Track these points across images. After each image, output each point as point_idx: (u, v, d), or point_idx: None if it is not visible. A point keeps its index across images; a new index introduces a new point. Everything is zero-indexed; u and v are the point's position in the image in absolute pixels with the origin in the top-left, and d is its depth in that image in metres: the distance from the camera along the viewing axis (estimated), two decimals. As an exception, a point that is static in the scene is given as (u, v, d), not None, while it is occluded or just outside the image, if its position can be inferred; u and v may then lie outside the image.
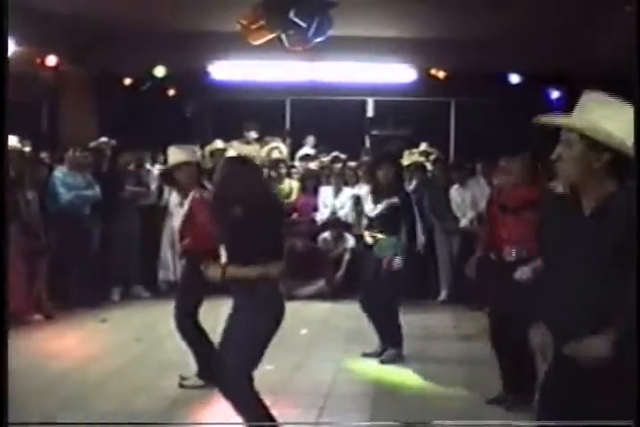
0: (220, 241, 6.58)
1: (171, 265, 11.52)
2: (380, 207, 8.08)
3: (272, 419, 5.12)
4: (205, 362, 6.89)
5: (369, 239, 8.26)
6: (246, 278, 5.10)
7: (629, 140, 3.30)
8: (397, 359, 8.07)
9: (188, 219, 7.06)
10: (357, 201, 8.73)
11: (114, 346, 8.61)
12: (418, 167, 12.13)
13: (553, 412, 3.52)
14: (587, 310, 3.31)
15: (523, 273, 6.10)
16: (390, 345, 8.17)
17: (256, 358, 5.11)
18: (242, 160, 5.81)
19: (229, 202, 5.24)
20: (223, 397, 5.14)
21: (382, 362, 8.04)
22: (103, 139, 12.37)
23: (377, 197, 8.17)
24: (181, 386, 7.03)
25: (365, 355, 8.25)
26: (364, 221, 8.55)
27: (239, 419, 4.98)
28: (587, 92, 3.44)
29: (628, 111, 3.35)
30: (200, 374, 7.05)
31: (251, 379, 5.09)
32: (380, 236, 8.10)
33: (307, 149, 15.02)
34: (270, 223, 5.28)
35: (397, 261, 7.93)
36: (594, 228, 3.35)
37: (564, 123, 3.40)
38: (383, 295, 8.07)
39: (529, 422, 3.39)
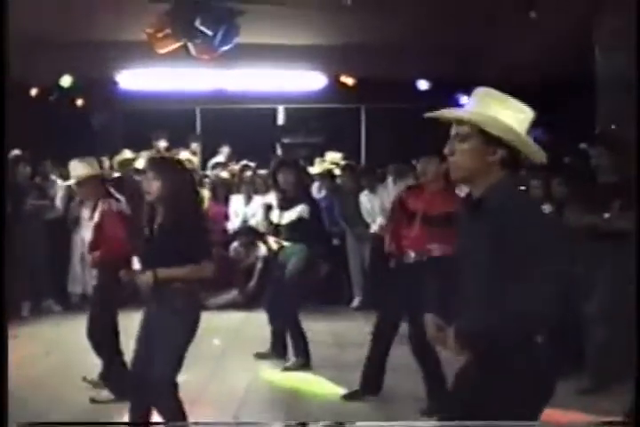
0: (134, 250, 6.57)
1: (79, 278, 11.37)
2: (287, 215, 8.09)
3: None
4: (117, 375, 6.81)
5: (274, 246, 8.29)
6: (179, 279, 5.11)
7: (522, 137, 3.36)
8: (303, 368, 8.05)
9: (99, 230, 6.99)
10: (269, 209, 8.73)
11: (23, 361, 8.44)
12: (327, 175, 12.19)
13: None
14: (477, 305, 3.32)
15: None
16: (296, 354, 8.17)
17: (179, 364, 5.14)
18: (167, 160, 5.78)
19: (158, 202, 5.22)
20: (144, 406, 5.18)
21: (286, 369, 8.05)
22: (16, 151, 12.12)
23: (283, 203, 8.18)
24: (93, 401, 6.92)
25: (259, 355, 8.30)
26: (270, 228, 8.55)
27: None
28: (479, 89, 3.46)
29: (521, 108, 3.40)
30: (110, 388, 6.95)
31: (176, 385, 5.14)
32: (284, 243, 8.11)
33: (219, 158, 14.96)
34: (198, 223, 5.31)
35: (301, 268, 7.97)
36: (477, 219, 3.36)
37: (464, 117, 3.39)
38: (284, 302, 8.08)
39: (524, 422, 3.37)
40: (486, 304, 3.26)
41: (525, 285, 3.14)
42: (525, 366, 3.28)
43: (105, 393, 6.98)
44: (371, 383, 7.01)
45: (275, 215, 8.36)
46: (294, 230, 8.09)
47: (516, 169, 3.45)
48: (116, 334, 7.02)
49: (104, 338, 6.98)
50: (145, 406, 5.25)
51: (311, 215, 8.07)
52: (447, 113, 3.44)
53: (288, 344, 8.33)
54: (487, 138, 3.33)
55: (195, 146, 15.23)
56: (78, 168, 7.15)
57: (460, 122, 3.39)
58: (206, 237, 5.44)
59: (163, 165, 5.42)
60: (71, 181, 7.39)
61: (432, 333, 3.47)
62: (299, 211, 8.05)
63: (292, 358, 8.21)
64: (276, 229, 8.36)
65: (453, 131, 3.43)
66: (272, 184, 9.03)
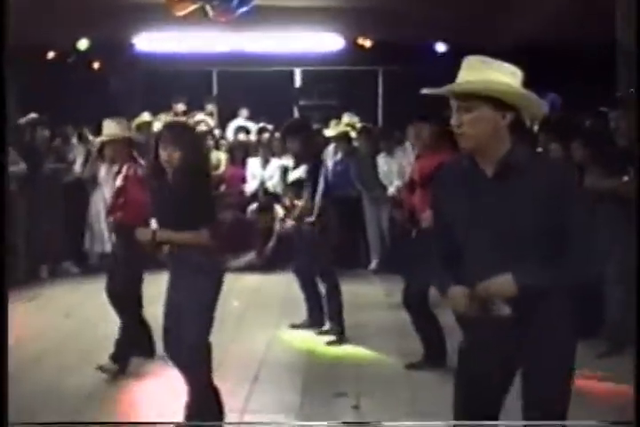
0: (152, 214, 6.58)
1: (99, 237, 11.36)
2: (293, 174, 8.11)
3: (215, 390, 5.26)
4: (135, 340, 6.86)
5: (286, 205, 8.31)
6: (176, 243, 5.17)
7: (529, 96, 3.36)
8: (338, 334, 7.93)
9: (121, 194, 7.01)
10: (285, 171, 8.73)
11: (43, 324, 8.52)
12: (343, 138, 12.15)
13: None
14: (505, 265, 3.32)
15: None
16: (330, 318, 8.09)
17: (209, 324, 5.19)
18: (180, 124, 5.78)
19: (165, 164, 5.25)
20: (180, 370, 5.22)
21: (319, 334, 8.02)
22: (33, 115, 12.13)
23: (294, 163, 8.20)
24: (100, 369, 6.78)
25: (294, 326, 8.29)
26: (283, 188, 8.56)
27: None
28: (469, 57, 3.42)
29: (513, 71, 3.38)
30: (114, 359, 6.90)
31: (209, 346, 5.20)
32: (297, 202, 8.12)
33: (240, 121, 14.92)
34: (205, 191, 5.33)
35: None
36: (500, 188, 3.36)
37: (468, 88, 3.35)
38: (313, 263, 8.08)
39: (528, 422, 3.40)
40: (516, 265, 3.29)
41: (560, 242, 3.24)
42: (554, 322, 3.36)
43: (108, 363, 6.84)
44: (434, 357, 6.88)
45: (288, 175, 8.40)
46: (296, 190, 8.11)
47: (523, 131, 3.45)
48: (138, 297, 7.06)
49: (125, 300, 7.02)
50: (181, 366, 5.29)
51: (308, 175, 8.02)
52: (456, 86, 3.38)
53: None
54: (494, 104, 3.32)
55: (210, 107, 15.21)
56: (112, 127, 7.14)
57: (467, 95, 3.35)
58: (211, 205, 5.45)
59: (175, 131, 5.40)
60: (100, 139, 7.37)
61: (465, 302, 3.44)
62: (300, 171, 8.07)
63: (327, 322, 8.12)
64: (286, 188, 8.38)
65: (455, 103, 3.38)
66: (282, 146, 8.99)
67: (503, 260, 3.32)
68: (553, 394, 3.45)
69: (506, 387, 3.56)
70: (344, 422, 5.19)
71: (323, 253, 8.02)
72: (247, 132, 13.72)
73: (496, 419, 3.57)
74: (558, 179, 3.32)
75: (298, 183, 8.06)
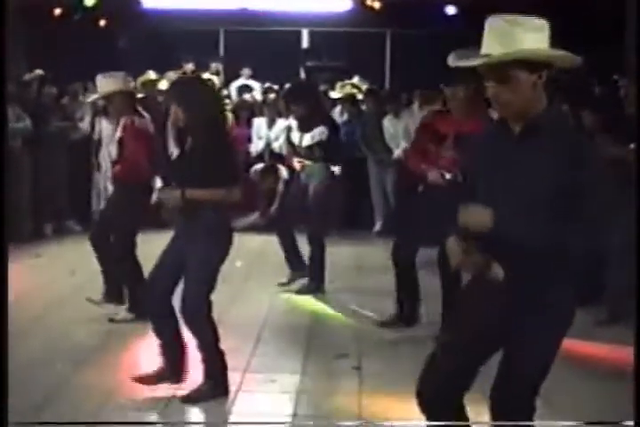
0: (156, 170, 6.57)
1: (104, 195, 11.35)
2: (306, 137, 8.08)
3: (220, 351, 5.32)
4: (138, 296, 6.92)
5: (297, 166, 8.30)
6: (205, 201, 5.11)
7: (560, 53, 3.32)
8: (316, 291, 8.15)
9: (121, 145, 7.02)
10: (289, 130, 8.74)
11: (49, 280, 8.55)
12: (349, 99, 12.11)
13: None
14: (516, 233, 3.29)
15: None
16: (311, 276, 8.25)
17: (213, 283, 5.23)
18: (191, 83, 5.71)
19: (185, 127, 5.21)
20: (168, 328, 5.32)
21: (298, 292, 8.16)
22: (38, 71, 12.07)
23: (302, 124, 8.17)
24: (111, 320, 7.04)
25: (281, 284, 8.34)
26: (291, 149, 8.53)
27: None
28: (491, 18, 3.33)
29: (540, 25, 3.32)
30: (130, 308, 7.07)
31: (210, 304, 5.24)
32: (307, 162, 8.12)
33: (243, 80, 14.86)
34: (226, 148, 5.30)
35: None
36: (523, 147, 3.35)
37: (503, 60, 3.25)
38: (310, 224, 8.13)
39: (528, 422, 3.42)
40: (526, 223, 3.27)
41: (574, 209, 3.21)
42: (552, 287, 3.34)
43: (123, 313, 7.10)
44: (406, 315, 7.04)
45: (295, 137, 8.36)
46: (313, 153, 8.11)
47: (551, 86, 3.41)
48: (132, 254, 7.12)
49: (122, 256, 7.09)
50: (170, 324, 5.34)
51: (329, 137, 8.05)
52: (489, 60, 3.28)
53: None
54: (529, 67, 3.26)
55: (215, 65, 15.12)
56: (105, 83, 7.11)
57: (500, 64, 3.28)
58: (235, 162, 5.43)
59: (186, 89, 5.34)
60: (95, 96, 7.35)
61: (453, 250, 3.44)
62: (317, 133, 8.04)
63: (295, 279, 8.30)
64: (296, 151, 8.35)
65: (488, 73, 3.32)
66: (285, 107, 8.99)
67: (512, 217, 3.28)
68: (528, 381, 3.46)
69: (482, 358, 3.55)
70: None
71: (321, 213, 8.08)
72: (250, 90, 13.66)
73: (463, 389, 3.58)
74: (579, 145, 3.29)
75: (314, 146, 8.04)
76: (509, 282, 3.34)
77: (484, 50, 3.32)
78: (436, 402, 3.54)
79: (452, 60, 3.44)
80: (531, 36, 3.25)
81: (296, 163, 8.39)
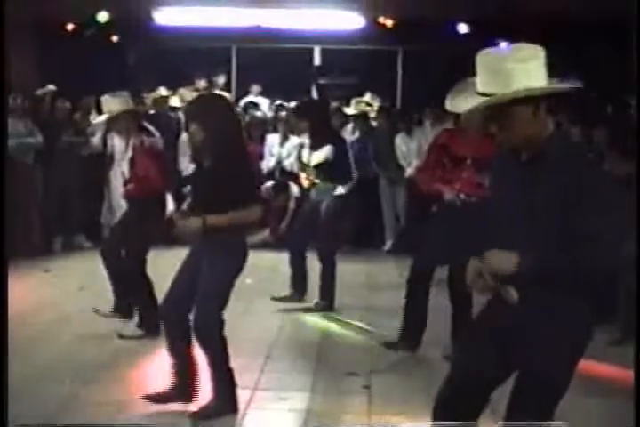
0: (169, 187, 6.57)
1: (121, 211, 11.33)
2: (315, 155, 8.06)
3: (230, 369, 5.31)
4: (148, 312, 6.91)
5: (306, 183, 8.29)
6: (228, 225, 5.07)
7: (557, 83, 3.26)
8: (325, 309, 8.12)
9: (131, 164, 7.07)
10: (301, 148, 8.75)
11: (57, 296, 8.54)
12: (362, 116, 12.12)
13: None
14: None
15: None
16: (322, 295, 8.22)
17: (225, 301, 5.21)
18: (209, 100, 5.66)
19: (203, 146, 5.19)
20: (183, 346, 5.31)
21: (309, 310, 8.15)
22: (50, 86, 12.10)
23: (313, 143, 8.16)
24: (121, 337, 7.02)
25: (273, 298, 8.33)
26: (301, 167, 8.52)
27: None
28: (483, 53, 3.25)
29: (534, 53, 3.24)
30: (140, 324, 7.07)
31: (222, 322, 5.23)
32: (316, 180, 8.11)
33: (251, 97, 14.88)
34: (245, 166, 5.25)
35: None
36: (530, 173, 3.30)
37: (499, 101, 3.21)
38: (320, 242, 8.11)
39: (528, 423, 3.38)
40: (538, 248, 3.23)
41: (583, 231, 3.15)
42: (567, 305, 3.29)
43: (132, 329, 7.09)
44: (410, 338, 6.93)
45: (305, 154, 8.36)
46: (321, 171, 8.09)
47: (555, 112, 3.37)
48: (143, 270, 7.12)
49: (133, 272, 7.11)
50: (185, 343, 5.32)
51: (336, 156, 8.03)
52: (485, 103, 3.23)
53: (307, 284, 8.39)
54: (528, 101, 3.20)
55: (221, 79, 15.12)
56: (110, 103, 7.16)
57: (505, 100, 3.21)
58: (253, 180, 5.39)
59: (206, 106, 5.28)
60: (103, 117, 7.40)
61: (472, 275, 3.39)
62: (324, 153, 8.03)
63: (315, 299, 8.25)
64: (305, 169, 8.34)
65: (485, 112, 3.28)
66: (295, 124, 9.03)
67: (520, 245, 3.24)
68: (539, 408, 3.41)
69: (494, 384, 3.52)
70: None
71: (332, 231, 8.07)
72: (257, 107, 13.66)
73: (476, 415, 3.55)
74: (587, 173, 3.22)
75: (323, 164, 8.02)
76: (524, 304, 3.31)
77: (479, 88, 3.26)
78: (451, 421, 3.51)
79: (448, 103, 3.38)
80: (524, 68, 3.18)
81: (305, 180, 8.39)
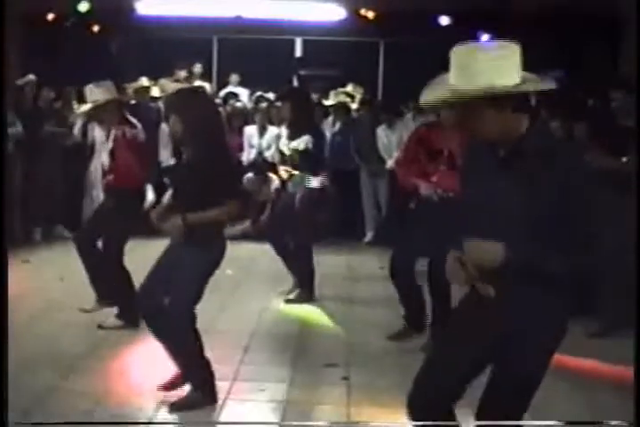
0: (148, 179, 6.56)
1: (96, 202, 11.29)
2: (293, 144, 8.07)
3: (206, 361, 5.31)
4: (127, 303, 6.91)
5: (284, 175, 8.30)
6: (209, 222, 5.07)
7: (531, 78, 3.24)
8: (306, 301, 8.14)
9: (112, 156, 7.04)
10: (278, 139, 8.75)
11: (37, 286, 8.52)
12: (341, 108, 12.10)
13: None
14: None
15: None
16: (300, 285, 8.24)
17: (199, 294, 5.20)
18: (188, 93, 5.64)
19: (183, 140, 5.19)
20: (161, 336, 5.28)
21: (287, 302, 8.14)
22: (30, 76, 12.04)
23: (290, 133, 8.17)
24: (100, 327, 7.02)
25: (281, 294, 8.32)
26: (280, 158, 8.53)
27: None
28: (456, 49, 3.25)
29: (508, 51, 3.23)
30: (119, 315, 7.06)
31: (194, 316, 5.22)
32: (294, 171, 8.11)
33: (230, 88, 14.86)
34: (226, 161, 5.25)
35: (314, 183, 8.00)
36: (507, 170, 3.30)
37: (464, 96, 3.21)
38: (296, 233, 8.13)
39: (529, 422, 3.40)
40: (517, 240, 3.22)
41: (564, 225, 3.16)
42: (542, 300, 3.30)
43: (112, 320, 7.09)
44: (413, 325, 6.94)
45: (283, 144, 8.35)
46: (298, 161, 8.10)
47: (531, 109, 3.37)
48: (120, 261, 7.13)
49: (110, 263, 7.11)
50: (162, 335, 5.31)
51: (314, 146, 8.04)
52: (450, 94, 3.23)
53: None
54: (497, 99, 3.20)
55: (198, 67, 15.06)
56: (95, 92, 7.12)
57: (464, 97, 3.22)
58: (234, 176, 5.38)
59: (186, 100, 5.25)
60: (87, 106, 7.36)
61: (453, 267, 3.37)
62: (303, 141, 8.04)
63: (296, 289, 8.27)
64: (284, 159, 8.36)
65: (458, 107, 3.29)
66: (275, 113, 8.94)
67: (498, 235, 3.23)
68: (513, 401, 3.44)
69: (470, 376, 3.52)
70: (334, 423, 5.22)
71: (307, 222, 8.08)
72: (236, 97, 13.63)
73: (453, 401, 3.56)
74: (566, 169, 3.20)
75: (300, 154, 8.02)
76: (500, 297, 3.32)
77: (451, 80, 3.26)
78: (425, 414, 3.53)
79: (422, 96, 3.35)
80: (493, 65, 3.17)
81: (282, 171, 8.40)
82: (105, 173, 7.23)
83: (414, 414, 3.55)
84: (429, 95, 3.32)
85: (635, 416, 3.27)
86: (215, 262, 5.20)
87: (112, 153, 7.08)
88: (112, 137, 7.07)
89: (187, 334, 5.22)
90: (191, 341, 5.25)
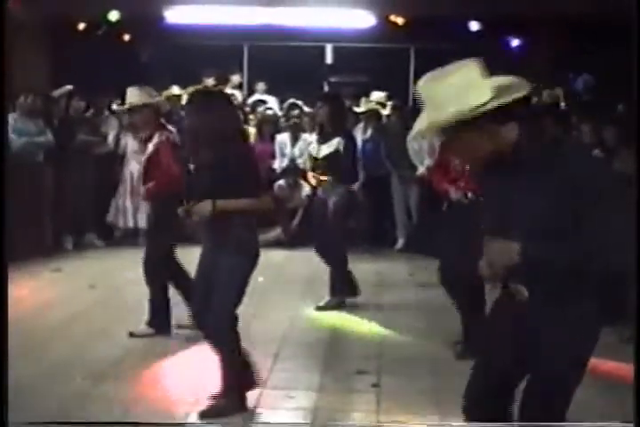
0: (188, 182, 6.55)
1: (128, 211, 11.31)
2: (324, 149, 8.05)
3: (248, 364, 5.40)
4: (158, 311, 6.91)
5: (313, 181, 8.27)
6: (238, 211, 5.07)
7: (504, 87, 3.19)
8: (337, 308, 8.09)
9: (153, 162, 6.96)
10: (309, 145, 8.74)
11: (68, 294, 8.55)
12: (373, 114, 12.09)
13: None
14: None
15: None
16: (334, 292, 8.19)
17: (240, 298, 5.22)
18: (210, 94, 5.67)
19: (203, 139, 5.18)
20: (207, 339, 5.33)
21: (318, 309, 8.09)
22: (67, 86, 12.08)
23: (321, 138, 8.15)
24: (132, 335, 7.01)
25: (319, 308, 8.20)
26: (310, 164, 8.48)
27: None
28: (421, 83, 3.31)
29: (467, 72, 3.23)
30: (150, 323, 7.05)
31: (236, 319, 5.24)
32: (323, 178, 8.08)
33: (258, 95, 14.88)
34: (247, 159, 5.25)
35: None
36: (513, 180, 3.27)
37: (434, 127, 3.25)
38: (331, 239, 8.08)
39: (531, 423, 3.37)
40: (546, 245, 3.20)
41: (590, 227, 3.13)
42: (576, 307, 3.28)
43: (143, 327, 7.07)
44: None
45: (313, 149, 8.33)
46: (330, 165, 8.07)
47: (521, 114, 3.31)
48: (169, 268, 7.08)
49: (161, 272, 7.05)
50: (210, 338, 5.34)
51: (345, 150, 8.01)
52: (421, 129, 3.29)
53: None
54: (469, 123, 3.17)
55: (235, 78, 15.11)
56: (135, 95, 7.10)
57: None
58: (258, 173, 5.35)
59: (203, 101, 5.32)
60: (124, 107, 7.35)
61: (486, 269, 3.35)
62: (335, 144, 8.01)
63: (327, 297, 8.22)
64: (314, 164, 8.32)
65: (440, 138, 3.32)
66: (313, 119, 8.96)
67: (525, 239, 3.20)
68: (554, 400, 3.40)
69: (518, 374, 3.50)
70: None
71: (339, 229, 8.03)
72: (265, 104, 13.65)
73: (505, 413, 3.55)
74: (570, 172, 3.15)
75: (331, 157, 7.99)
76: (533, 301, 3.31)
77: (425, 112, 3.29)
78: (484, 417, 3.54)
79: (412, 129, 3.39)
80: (457, 89, 3.16)
81: (311, 178, 8.37)
82: (145, 181, 7.15)
83: (472, 419, 3.58)
84: (414, 128, 3.34)
85: (635, 416, 3.22)
86: (251, 263, 5.20)
87: (153, 159, 6.97)
88: (154, 142, 6.97)
89: (229, 340, 5.25)
90: (233, 347, 5.27)
